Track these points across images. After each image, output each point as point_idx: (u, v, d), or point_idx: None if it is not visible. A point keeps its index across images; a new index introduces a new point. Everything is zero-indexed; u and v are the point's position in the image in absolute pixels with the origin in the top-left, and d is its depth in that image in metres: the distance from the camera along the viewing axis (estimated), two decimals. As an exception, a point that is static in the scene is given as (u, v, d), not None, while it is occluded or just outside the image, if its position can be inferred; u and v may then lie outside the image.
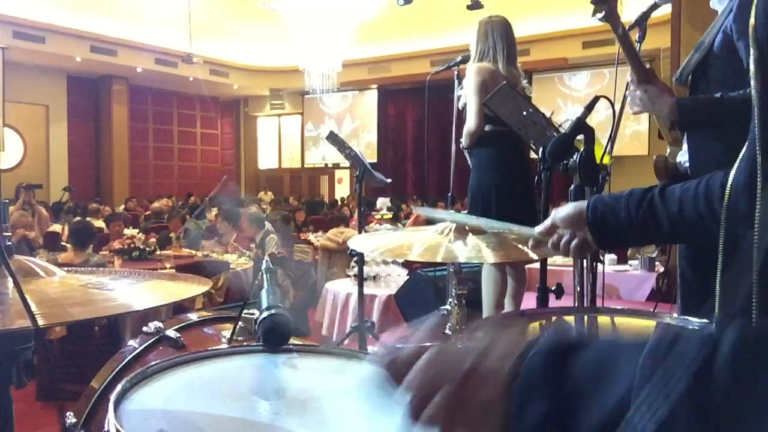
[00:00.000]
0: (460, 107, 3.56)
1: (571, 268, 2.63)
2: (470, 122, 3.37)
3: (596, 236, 1.19)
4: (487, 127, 3.35)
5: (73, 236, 4.49)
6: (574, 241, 1.21)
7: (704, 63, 1.90)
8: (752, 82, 0.63)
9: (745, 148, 0.73)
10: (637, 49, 2.06)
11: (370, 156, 14.47)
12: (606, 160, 2.15)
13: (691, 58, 1.95)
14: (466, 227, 1.55)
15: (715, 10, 1.97)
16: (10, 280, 0.94)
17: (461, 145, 3.51)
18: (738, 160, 0.77)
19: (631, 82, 1.99)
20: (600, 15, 1.89)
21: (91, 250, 4.53)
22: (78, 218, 7.94)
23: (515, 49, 3.50)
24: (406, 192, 15.19)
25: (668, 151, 2.07)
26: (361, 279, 3.81)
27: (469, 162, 3.54)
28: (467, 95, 3.40)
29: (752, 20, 0.63)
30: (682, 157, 2.01)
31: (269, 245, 5.79)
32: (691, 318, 1.35)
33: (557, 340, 0.50)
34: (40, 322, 0.84)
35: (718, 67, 1.85)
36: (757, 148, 0.63)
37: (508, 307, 3.36)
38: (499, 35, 3.42)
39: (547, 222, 1.27)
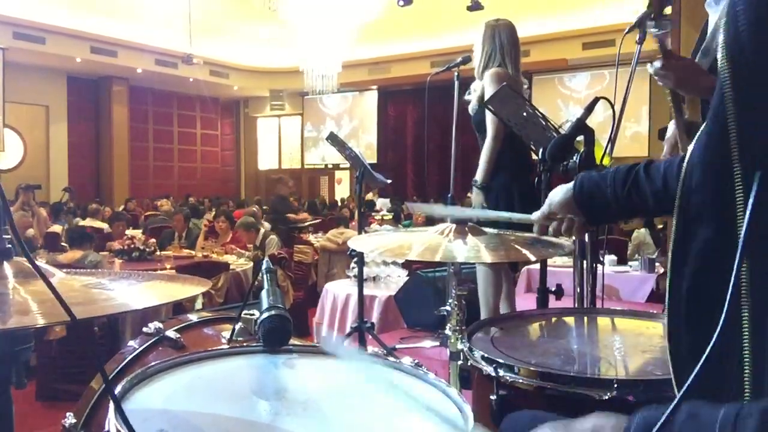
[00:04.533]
0: (471, 111, 3.48)
1: (571, 269, 2.63)
2: (493, 127, 3.24)
3: (584, 213, 1.23)
4: None
5: (69, 239, 4.86)
6: (571, 225, 1.26)
7: (714, 69, 1.88)
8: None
9: (705, 124, 0.74)
10: (638, 50, 2.06)
11: (369, 157, 14.46)
12: (606, 161, 2.15)
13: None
14: (466, 227, 1.55)
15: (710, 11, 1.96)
16: (10, 280, 0.94)
17: (476, 183, 3.29)
18: (697, 134, 0.77)
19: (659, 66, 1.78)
20: (656, 31, 1.69)
21: (91, 250, 4.55)
22: (77, 219, 7.95)
23: (519, 54, 3.45)
24: (406, 193, 15.19)
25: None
26: (360, 280, 3.81)
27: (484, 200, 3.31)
28: None
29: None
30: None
31: (269, 246, 5.80)
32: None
33: None
34: (41, 322, 0.84)
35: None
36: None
37: (503, 308, 3.34)
38: (507, 39, 3.36)
39: (544, 208, 1.31)
